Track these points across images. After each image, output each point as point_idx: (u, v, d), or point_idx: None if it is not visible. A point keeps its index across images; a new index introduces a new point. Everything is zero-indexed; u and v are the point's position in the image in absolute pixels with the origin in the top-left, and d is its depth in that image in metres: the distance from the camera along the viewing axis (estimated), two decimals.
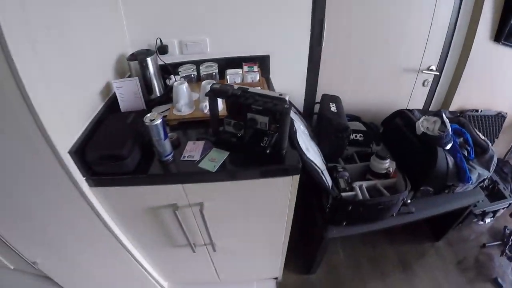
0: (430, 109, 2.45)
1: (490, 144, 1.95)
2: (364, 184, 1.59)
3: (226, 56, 1.76)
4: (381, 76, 2.17)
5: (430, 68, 2.22)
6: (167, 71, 1.62)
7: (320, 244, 1.73)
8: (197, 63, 1.70)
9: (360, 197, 1.51)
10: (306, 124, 1.85)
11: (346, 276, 2.06)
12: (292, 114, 1.50)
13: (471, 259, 2.36)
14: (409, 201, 1.63)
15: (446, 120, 1.73)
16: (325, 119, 1.57)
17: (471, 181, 1.69)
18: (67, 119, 1.02)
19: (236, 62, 1.73)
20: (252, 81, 1.66)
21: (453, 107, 2.43)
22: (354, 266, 2.12)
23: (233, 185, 1.13)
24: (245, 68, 1.69)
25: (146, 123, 1.01)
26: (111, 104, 1.35)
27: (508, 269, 2.36)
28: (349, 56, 2.02)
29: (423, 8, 1.92)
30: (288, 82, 1.95)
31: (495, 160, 1.89)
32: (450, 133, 1.67)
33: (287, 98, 1.02)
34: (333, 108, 1.66)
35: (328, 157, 1.67)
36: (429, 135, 1.66)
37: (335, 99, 1.76)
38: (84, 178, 1.06)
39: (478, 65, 2.22)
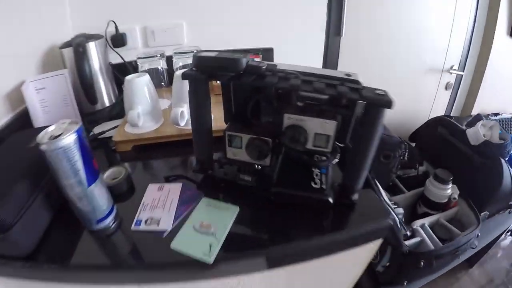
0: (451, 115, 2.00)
1: None
2: (427, 222, 1.03)
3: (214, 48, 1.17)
4: (404, 76, 1.68)
5: (453, 67, 1.76)
6: (124, 71, 0.98)
7: None
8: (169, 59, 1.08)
9: (430, 244, 0.94)
10: None
11: None
12: None
13: (503, 278, 1.86)
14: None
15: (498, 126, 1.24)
16: None
17: None
18: None
19: None
20: None
21: (475, 111, 1.99)
22: None
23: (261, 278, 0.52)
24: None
25: (41, 148, 0.39)
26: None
27: None
28: (368, 49, 1.51)
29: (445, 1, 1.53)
30: None
31: None
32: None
33: (360, 81, 0.44)
34: None
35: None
36: (492, 144, 1.14)
37: None
38: None
39: (499, 64, 1.82)
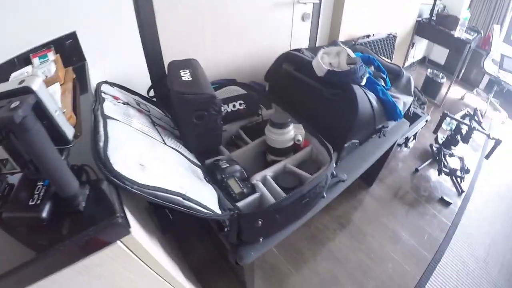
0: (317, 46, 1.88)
1: (400, 66, 1.47)
2: (269, 173, 0.92)
3: None
4: (248, 18, 1.45)
5: None
6: None
7: (242, 270, 1.07)
8: None
9: (270, 197, 0.84)
10: (163, 113, 1.09)
11: (288, 270, 1.44)
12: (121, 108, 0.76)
13: (407, 188, 1.97)
14: (334, 167, 1.02)
15: (348, 50, 1.12)
16: (175, 95, 0.82)
17: (402, 115, 1.15)
18: None
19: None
20: (46, 76, 0.83)
21: (342, 37, 1.90)
22: (295, 252, 1.51)
23: None
24: (36, 61, 0.89)
25: None
26: None
27: (449, 184, 2.04)
28: (195, 1, 1.24)
29: None
30: (118, 60, 1.13)
31: (412, 81, 1.40)
32: (362, 63, 1.07)
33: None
34: (185, 76, 0.90)
35: (202, 151, 0.95)
36: (338, 72, 1.03)
37: (189, 64, 0.99)
38: None
39: None
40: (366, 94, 1.04)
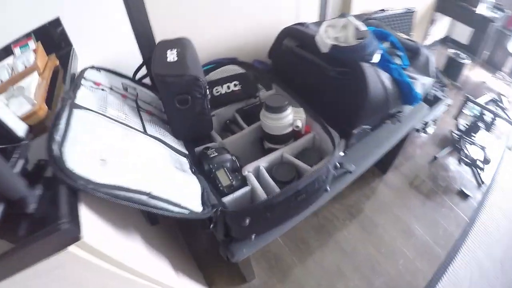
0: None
1: (419, 43, 1.28)
2: (263, 164, 0.80)
3: None
4: None
5: None
6: None
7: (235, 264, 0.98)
8: None
9: (262, 192, 0.73)
10: (156, 96, 0.99)
11: (292, 261, 1.35)
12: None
13: (424, 177, 1.80)
14: (341, 156, 0.89)
15: (358, 22, 0.96)
16: (155, 78, 0.70)
17: (419, 98, 0.99)
18: None
19: None
20: (26, 66, 0.76)
21: (356, 11, 1.69)
22: (301, 243, 1.42)
23: None
24: (17, 51, 0.81)
25: None
26: None
27: (469, 175, 1.85)
28: None
29: None
30: (107, 44, 1.02)
31: (432, 60, 1.22)
32: (373, 38, 0.92)
33: None
34: (171, 56, 0.77)
35: (192, 137, 0.85)
36: (344, 47, 0.88)
37: (179, 43, 0.85)
38: None
39: None
40: (378, 74, 0.89)
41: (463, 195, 1.71)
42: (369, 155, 1.06)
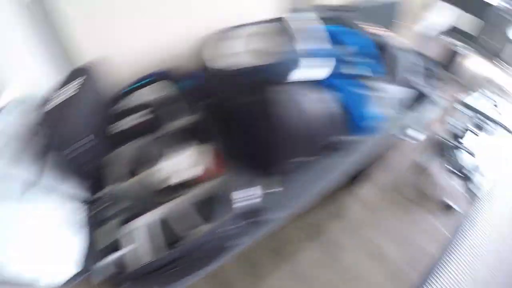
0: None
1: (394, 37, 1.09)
2: (152, 216, 0.68)
3: None
4: None
5: None
6: None
7: None
8: None
9: (146, 255, 0.62)
10: None
11: None
12: None
13: (403, 190, 1.61)
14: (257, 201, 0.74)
15: (300, 25, 0.79)
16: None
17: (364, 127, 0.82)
18: None
19: None
20: None
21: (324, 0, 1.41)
22: (252, 267, 1.27)
23: None
24: None
25: None
26: None
27: (455, 185, 1.64)
28: None
29: None
30: (30, 74, 0.87)
31: (403, 61, 1.04)
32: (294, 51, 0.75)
33: None
34: (60, 98, 0.63)
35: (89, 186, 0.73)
36: (240, 70, 0.72)
37: (82, 72, 0.72)
38: None
39: None
40: (299, 97, 0.73)
41: (447, 207, 1.53)
42: (316, 183, 0.88)
